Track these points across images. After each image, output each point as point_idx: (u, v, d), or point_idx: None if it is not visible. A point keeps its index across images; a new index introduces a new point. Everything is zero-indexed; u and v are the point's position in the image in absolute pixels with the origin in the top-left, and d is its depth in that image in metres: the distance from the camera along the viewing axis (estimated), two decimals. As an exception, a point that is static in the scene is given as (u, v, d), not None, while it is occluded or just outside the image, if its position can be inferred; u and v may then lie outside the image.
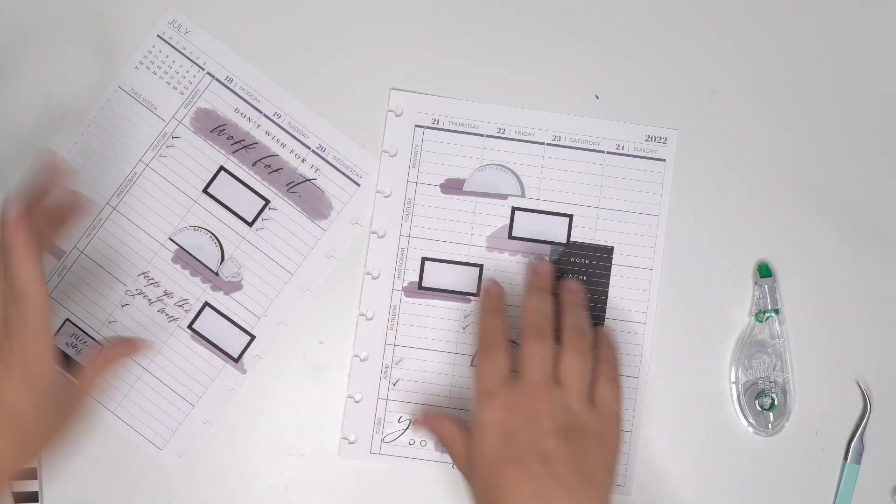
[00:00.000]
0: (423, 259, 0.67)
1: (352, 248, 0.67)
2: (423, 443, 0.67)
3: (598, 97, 0.68)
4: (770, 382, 0.66)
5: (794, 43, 0.68)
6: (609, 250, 0.67)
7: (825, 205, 0.68)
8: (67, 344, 0.67)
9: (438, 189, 0.68)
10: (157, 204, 0.67)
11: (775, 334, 0.66)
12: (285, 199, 0.67)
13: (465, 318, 0.67)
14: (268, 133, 0.67)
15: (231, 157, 0.67)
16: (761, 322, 0.66)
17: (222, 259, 0.67)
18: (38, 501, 0.65)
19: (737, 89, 0.68)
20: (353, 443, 0.66)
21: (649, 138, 0.68)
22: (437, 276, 0.67)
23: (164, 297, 0.67)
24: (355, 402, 0.67)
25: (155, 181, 0.67)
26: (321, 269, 0.67)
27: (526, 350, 0.60)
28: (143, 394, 0.66)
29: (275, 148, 0.67)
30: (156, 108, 0.67)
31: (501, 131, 0.68)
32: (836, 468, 0.66)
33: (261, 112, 0.67)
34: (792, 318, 0.67)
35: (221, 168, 0.67)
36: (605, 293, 0.67)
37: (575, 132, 0.68)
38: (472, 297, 0.67)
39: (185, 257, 0.67)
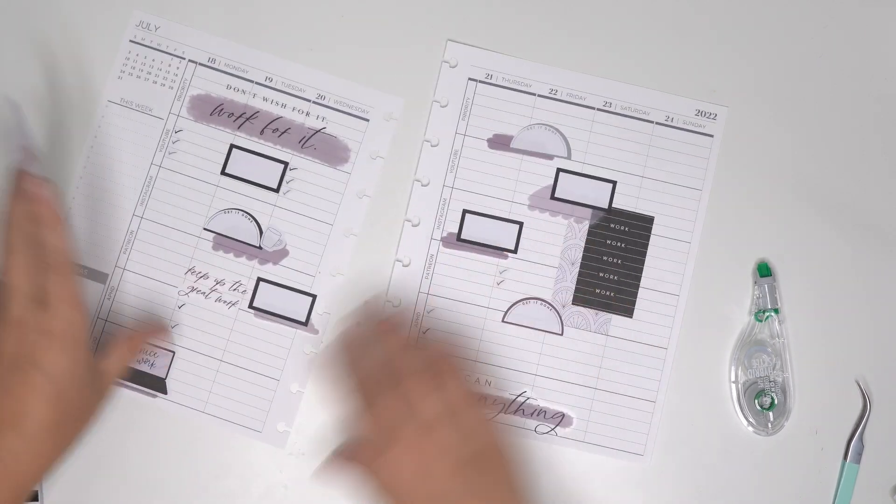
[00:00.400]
0: (465, 211, 0.67)
1: (383, 186, 0.68)
2: None
3: None
4: (770, 382, 0.66)
5: (794, 43, 0.69)
6: (650, 220, 0.68)
7: (825, 205, 0.68)
8: (138, 360, 0.66)
9: (486, 143, 0.68)
10: (181, 200, 0.67)
11: (775, 334, 0.66)
12: (302, 155, 0.67)
13: (500, 273, 0.67)
14: (265, 99, 0.68)
15: (238, 133, 0.67)
16: (761, 321, 0.66)
17: (261, 232, 0.67)
18: (37, 501, 0.65)
19: (737, 89, 0.69)
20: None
21: (699, 113, 0.68)
22: (476, 229, 0.68)
23: (217, 287, 0.67)
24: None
25: (172, 179, 0.67)
26: (357, 212, 0.67)
27: (382, 407, 0.60)
28: (227, 384, 0.66)
29: (276, 111, 0.68)
30: (151, 110, 0.67)
31: (553, 92, 0.68)
32: (835, 468, 0.67)
33: (252, 81, 0.68)
34: (792, 318, 0.67)
35: (232, 146, 0.67)
36: (642, 262, 0.67)
37: (626, 100, 0.68)
38: (510, 254, 0.67)
39: (224, 242, 0.67)
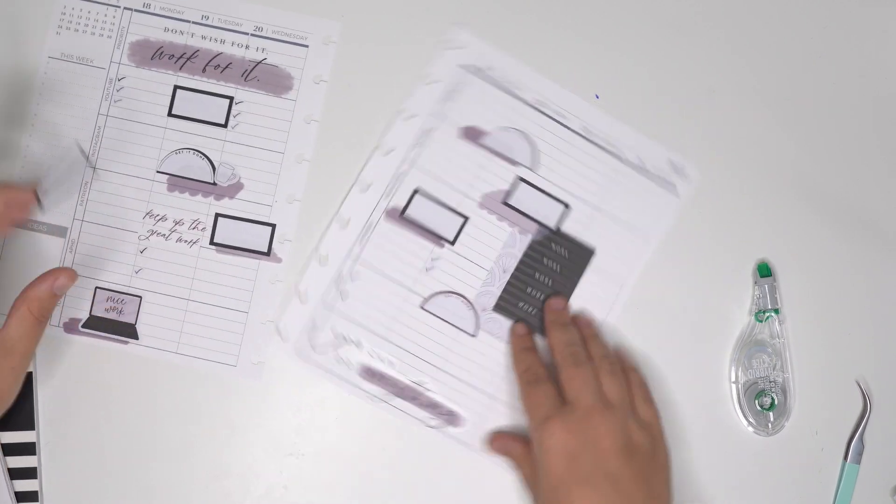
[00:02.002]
0: (416, 191, 0.67)
1: (329, 110, 0.68)
2: (350, 365, 0.66)
3: (598, 97, 0.68)
4: (770, 382, 0.66)
5: (794, 43, 0.69)
6: (591, 252, 0.67)
7: (825, 205, 0.68)
8: (107, 309, 0.66)
9: (458, 131, 0.67)
10: (131, 146, 0.67)
11: (775, 334, 0.66)
12: (246, 88, 0.68)
13: (432, 260, 0.67)
14: (203, 37, 0.68)
15: (180, 74, 0.68)
16: (761, 322, 0.66)
17: (214, 168, 0.67)
18: (38, 501, 0.65)
19: (737, 89, 0.68)
20: (284, 340, 0.66)
21: (671, 164, 0.67)
22: (422, 211, 0.67)
23: (177, 227, 0.67)
24: (300, 300, 0.66)
25: (120, 126, 0.67)
26: (307, 137, 0.67)
27: (570, 377, 0.61)
28: (198, 323, 0.66)
29: (216, 48, 0.68)
30: (92, 61, 0.68)
31: (539, 103, 0.68)
32: (836, 468, 0.67)
33: (189, 21, 0.68)
34: (792, 318, 0.67)
35: (176, 87, 0.68)
36: (572, 290, 0.67)
37: (605, 131, 0.67)
38: (447, 244, 0.67)
39: (179, 182, 0.67)
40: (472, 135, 0.68)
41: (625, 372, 0.64)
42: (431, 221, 0.67)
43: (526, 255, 0.67)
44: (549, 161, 0.67)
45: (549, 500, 0.59)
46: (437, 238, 0.67)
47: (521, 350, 0.65)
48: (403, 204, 0.67)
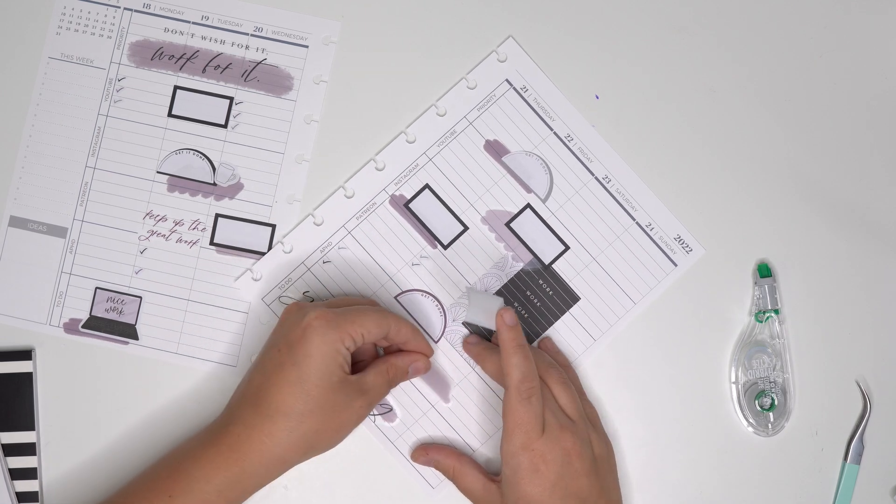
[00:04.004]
0: (426, 185, 0.67)
1: (329, 110, 0.68)
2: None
3: (598, 97, 0.68)
4: (770, 382, 0.66)
5: (794, 43, 0.69)
6: (575, 299, 0.67)
7: (825, 205, 0.68)
8: (107, 310, 0.66)
9: (483, 142, 0.67)
10: (131, 146, 0.67)
11: (775, 334, 0.66)
12: (246, 89, 0.68)
13: (420, 257, 0.67)
14: (203, 38, 0.68)
15: (180, 74, 0.68)
16: (761, 322, 0.66)
17: (214, 169, 0.67)
18: (37, 501, 0.65)
19: (736, 89, 0.68)
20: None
21: (679, 238, 0.67)
22: (425, 207, 0.67)
23: (177, 227, 0.67)
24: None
25: (121, 127, 0.67)
26: (307, 138, 0.67)
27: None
28: (198, 323, 0.66)
29: (216, 48, 0.68)
30: (92, 62, 0.68)
31: (569, 139, 0.67)
32: (836, 468, 0.66)
33: (189, 22, 0.68)
34: (792, 318, 0.67)
35: (176, 87, 0.68)
36: (544, 329, 0.67)
37: (625, 186, 0.67)
38: (439, 246, 0.67)
39: (179, 183, 0.67)
40: (495, 149, 0.68)
41: (565, 370, 0.64)
42: (432, 220, 0.67)
43: (511, 282, 0.67)
44: (562, 198, 0.67)
45: None
46: (433, 238, 0.67)
47: (522, 348, 0.60)
48: (411, 195, 0.67)
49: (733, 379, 0.66)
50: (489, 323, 0.60)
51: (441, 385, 0.66)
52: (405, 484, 0.66)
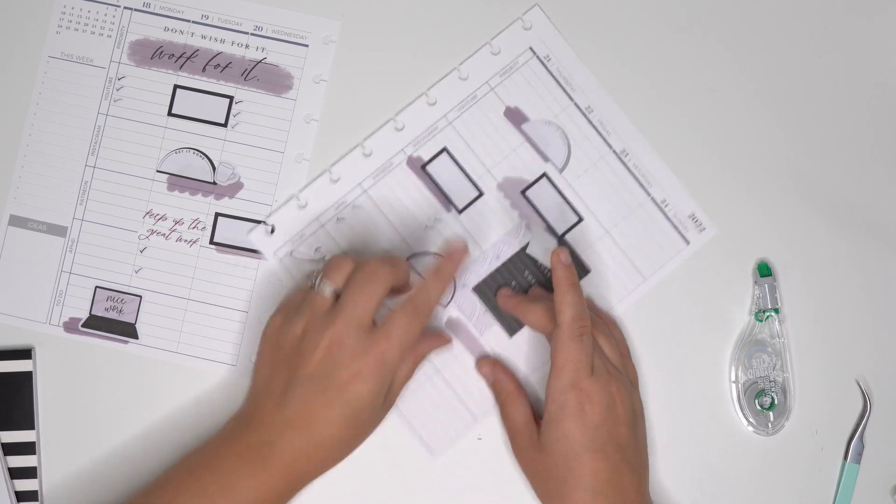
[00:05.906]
0: (444, 149, 0.67)
1: (329, 109, 0.68)
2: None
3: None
4: (770, 382, 0.66)
5: (794, 43, 0.69)
6: (586, 271, 0.67)
7: (825, 204, 0.68)
8: (107, 309, 0.66)
9: (503, 108, 0.67)
10: (131, 145, 0.67)
11: (775, 333, 0.66)
12: (246, 88, 0.68)
13: (434, 220, 0.67)
14: (203, 37, 0.68)
15: (180, 73, 0.68)
16: (761, 321, 0.66)
17: (214, 168, 0.67)
18: (37, 501, 0.65)
19: (736, 89, 0.68)
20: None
21: (693, 217, 0.67)
22: (443, 170, 0.67)
23: (177, 227, 0.67)
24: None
25: (120, 126, 0.67)
26: (307, 137, 0.67)
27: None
28: (197, 322, 0.66)
29: (216, 47, 0.68)
30: (92, 61, 0.68)
31: (589, 110, 0.67)
32: (836, 468, 0.66)
33: (188, 21, 0.68)
34: (792, 318, 0.67)
35: (176, 86, 0.68)
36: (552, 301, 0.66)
37: (643, 161, 0.67)
38: (454, 210, 0.66)
39: (178, 182, 0.67)
40: (515, 116, 0.67)
41: (610, 330, 0.64)
42: (448, 184, 0.67)
43: (524, 249, 0.67)
44: (579, 169, 0.67)
45: (555, 462, 0.59)
46: (448, 201, 0.67)
47: (575, 286, 0.60)
48: (428, 158, 0.67)
49: (733, 378, 0.66)
50: (545, 259, 0.63)
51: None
52: (404, 450, 0.66)
